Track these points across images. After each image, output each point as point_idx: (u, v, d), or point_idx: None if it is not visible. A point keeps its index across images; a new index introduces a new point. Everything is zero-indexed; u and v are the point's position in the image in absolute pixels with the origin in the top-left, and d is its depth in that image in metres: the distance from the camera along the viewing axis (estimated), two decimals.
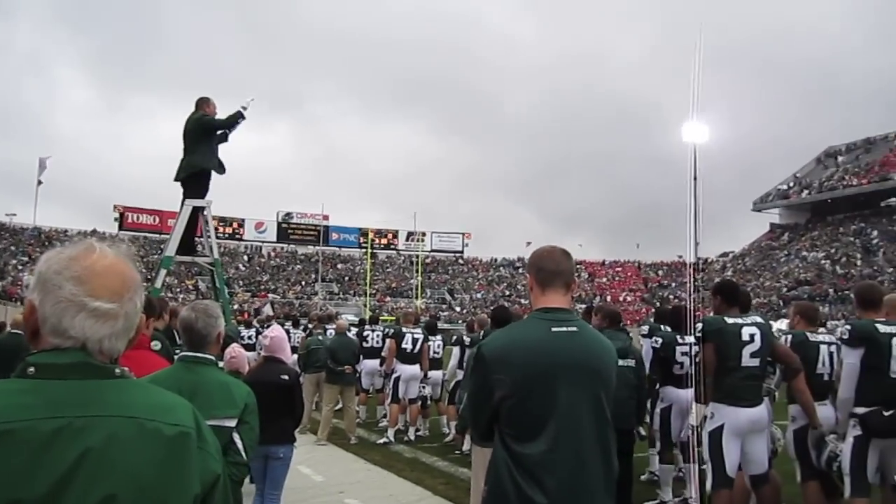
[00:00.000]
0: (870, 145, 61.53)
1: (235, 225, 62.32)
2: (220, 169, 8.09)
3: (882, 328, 4.65)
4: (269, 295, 52.90)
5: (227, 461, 2.74)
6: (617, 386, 5.88)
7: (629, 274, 66.60)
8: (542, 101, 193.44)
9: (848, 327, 4.79)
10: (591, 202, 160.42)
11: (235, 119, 7.89)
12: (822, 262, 51.33)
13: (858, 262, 48.48)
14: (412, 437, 10.15)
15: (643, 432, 6.51)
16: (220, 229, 59.27)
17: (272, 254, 63.40)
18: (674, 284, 61.08)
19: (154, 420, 1.21)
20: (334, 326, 11.25)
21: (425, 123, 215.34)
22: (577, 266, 63.98)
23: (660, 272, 66.13)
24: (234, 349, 4.46)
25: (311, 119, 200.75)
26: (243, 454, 3.07)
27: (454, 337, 10.43)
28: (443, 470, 8.17)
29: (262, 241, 63.83)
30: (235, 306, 40.15)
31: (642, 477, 7.48)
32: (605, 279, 65.20)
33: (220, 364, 3.60)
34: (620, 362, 5.97)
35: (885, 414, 4.47)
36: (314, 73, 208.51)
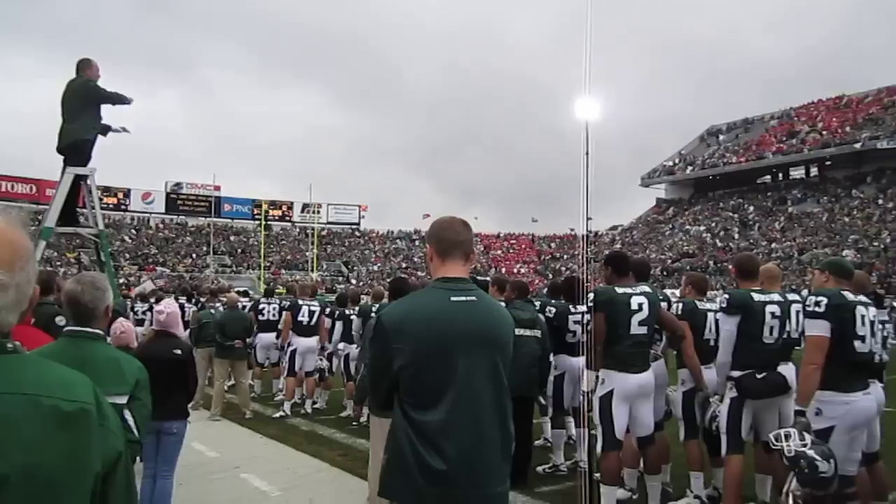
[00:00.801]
0: (748, 125, 64.87)
1: (121, 195, 59.36)
2: (105, 131, 7.69)
3: (757, 297, 4.95)
4: (158, 268, 51.00)
5: None
6: (521, 355, 6.06)
7: (523, 246, 67.93)
8: (444, 72, 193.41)
9: (726, 296, 5.08)
10: (488, 175, 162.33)
11: (123, 99, 7.52)
12: (704, 235, 53.94)
13: (736, 236, 51.24)
14: (309, 410, 10.09)
15: (543, 401, 6.70)
16: (104, 200, 56.54)
17: (160, 225, 60.93)
18: (566, 257, 62.88)
19: (51, 397, 1.15)
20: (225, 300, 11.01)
21: (323, 91, 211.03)
22: (474, 238, 64.82)
23: (552, 244, 67.82)
24: (123, 324, 4.29)
25: (202, 83, 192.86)
26: (135, 432, 2.97)
27: (336, 311, 10.24)
28: (341, 442, 8.17)
29: (150, 213, 61.14)
30: (121, 280, 38.52)
31: (536, 443, 7.72)
32: (499, 251, 66.28)
33: (108, 339, 3.46)
34: (527, 332, 6.17)
35: (759, 376, 4.78)
36: (205, 34, 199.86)
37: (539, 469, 6.67)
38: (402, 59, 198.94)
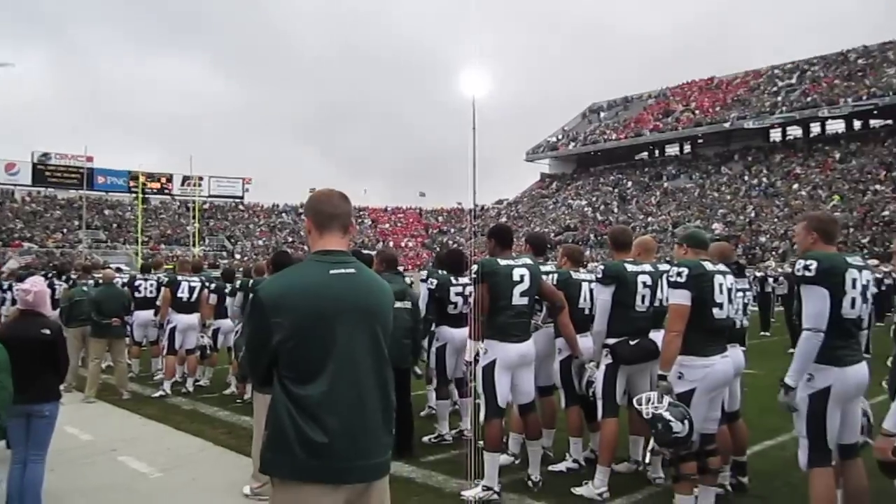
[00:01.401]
0: (628, 103, 67.30)
1: None
2: None
3: (630, 268, 5.19)
4: (25, 244, 47.95)
5: None
6: (394, 327, 6.09)
7: (411, 220, 68.16)
8: (332, 42, 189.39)
9: (601, 267, 5.29)
10: (377, 148, 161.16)
11: None
12: (585, 209, 55.79)
13: (615, 210, 53.28)
14: (191, 389, 9.81)
15: (419, 371, 6.77)
16: None
17: (27, 198, 57.12)
18: (453, 230, 63.57)
19: None
20: (100, 276, 10.50)
21: (205, 58, 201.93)
22: (361, 212, 64.41)
23: (440, 218, 68.39)
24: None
25: (72, 47, 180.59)
26: None
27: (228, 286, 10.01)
28: (224, 420, 8.01)
29: (15, 185, 57.10)
30: None
31: (422, 413, 7.83)
32: (387, 225, 66.23)
33: None
34: (397, 304, 6.15)
35: (632, 343, 5.03)
36: None
37: (425, 439, 6.77)
38: (290, 24, 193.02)
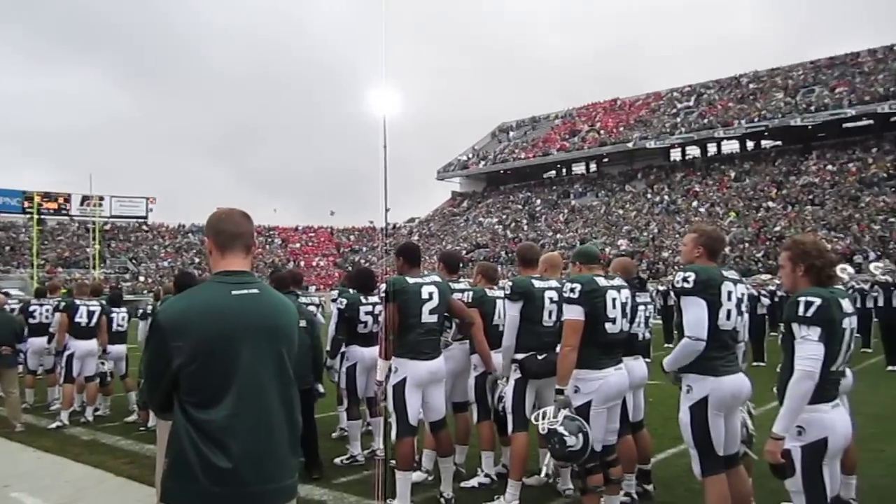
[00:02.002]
0: (536, 123, 68.80)
1: None
2: None
3: (537, 284, 5.29)
4: None
5: None
6: None
7: (322, 239, 67.45)
8: (243, 58, 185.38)
9: (510, 283, 5.38)
10: (288, 166, 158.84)
11: None
12: (496, 226, 56.55)
13: (525, 227, 54.21)
14: (90, 418, 9.36)
15: (322, 390, 6.70)
16: None
17: None
18: (364, 249, 63.25)
19: None
20: None
21: (108, 71, 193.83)
22: (270, 232, 63.33)
23: (352, 237, 67.94)
24: None
25: None
26: None
27: (139, 309, 9.75)
28: (126, 449, 7.68)
29: None
30: None
31: (333, 434, 7.73)
32: (298, 244, 65.32)
33: None
34: None
35: (540, 358, 5.12)
36: None
37: (336, 461, 6.69)
38: (200, 39, 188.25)
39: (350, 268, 47.71)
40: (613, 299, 4.48)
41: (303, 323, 6.22)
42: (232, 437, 2.30)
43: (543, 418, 4.27)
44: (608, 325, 4.43)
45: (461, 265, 6.13)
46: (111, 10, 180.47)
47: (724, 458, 4.10)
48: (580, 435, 4.15)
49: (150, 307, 9.28)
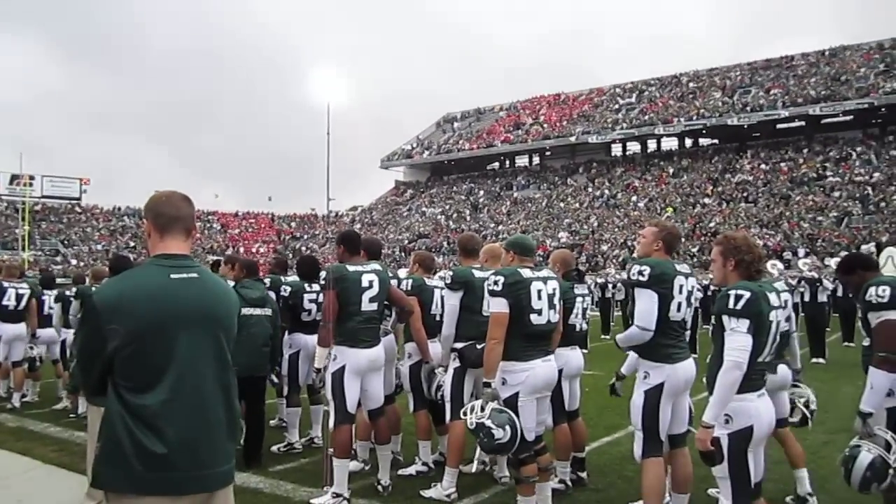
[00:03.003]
0: (481, 114, 69.09)
1: None
2: None
3: (478, 273, 5.34)
4: None
5: None
6: (253, 335, 5.94)
7: (262, 225, 66.50)
8: (185, 35, 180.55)
9: (450, 273, 5.41)
10: (230, 150, 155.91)
11: None
12: (439, 217, 56.65)
13: (468, 218, 54.45)
14: (17, 405, 9.07)
15: (276, 379, 6.66)
16: None
17: None
18: (306, 237, 62.63)
19: None
20: None
21: (41, 42, 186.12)
22: (210, 216, 62.14)
23: (293, 224, 67.17)
24: None
25: None
26: None
27: (55, 293, 9.41)
28: (55, 436, 7.47)
29: None
30: None
31: (271, 422, 7.67)
32: (237, 230, 64.29)
33: None
34: (258, 311, 6.09)
35: (479, 347, 5.15)
36: None
37: (274, 448, 6.63)
38: (141, 14, 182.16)
39: (291, 255, 47.20)
40: (539, 291, 4.48)
41: (268, 311, 6.18)
42: (167, 422, 2.28)
43: (471, 413, 4.30)
44: (533, 317, 4.44)
45: (380, 250, 6.10)
46: None
47: (671, 437, 4.30)
48: (507, 427, 4.18)
49: (66, 292, 8.96)
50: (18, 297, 9.02)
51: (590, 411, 6.63)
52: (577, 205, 50.43)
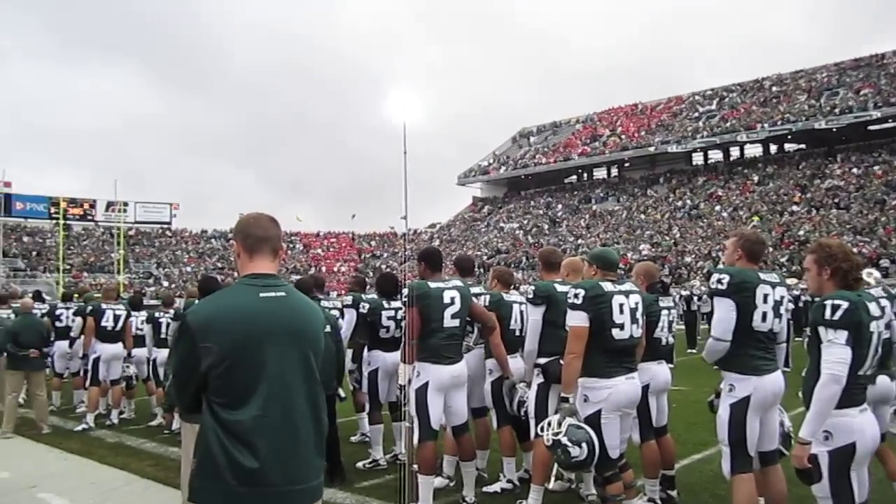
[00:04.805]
0: (556, 128, 68.73)
1: None
2: None
3: (560, 287, 5.28)
4: None
5: None
6: None
7: (343, 245, 67.69)
8: (269, 60, 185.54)
9: (532, 287, 5.37)
10: (312, 171, 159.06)
11: None
12: (517, 232, 56.43)
13: (546, 232, 54.07)
14: (115, 421, 9.48)
15: (343, 395, 6.72)
16: None
17: None
18: (386, 255, 63.39)
19: None
20: (17, 305, 10.09)
21: (134, 72, 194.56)
22: (293, 237, 63.67)
23: (373, 242, 68.12)
24: None
25: None
26: None
27: (144, 314, 9.85)
28: (151, 452, 7.76)
29: None
30: None
31: (353, 439, 7.75)
32: (320, 250, 65.62)
33: None
34: None
35: (562, 362, 5.10)
36: None
37: (359, 465, 6.71)
38: (227, 40, 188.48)
39: (371, 273, 47.85)
40: (621, 304, 4.42)
41: (327, 328, 6.25)
42: (259, 437, 2.33)
43: (548, 428, 4.24)
44: (615, 332, 4.38)
45: (474, 269, 6.14)
46: (136, 11, 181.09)
47: (761, 455, 4.14)
48: (584, 444, 4.11)
49: (156, 313, 9.37)
50: (116, 319, 9.45)
51: (678, 427, 6.45)
52: (659, 216, 49.40)
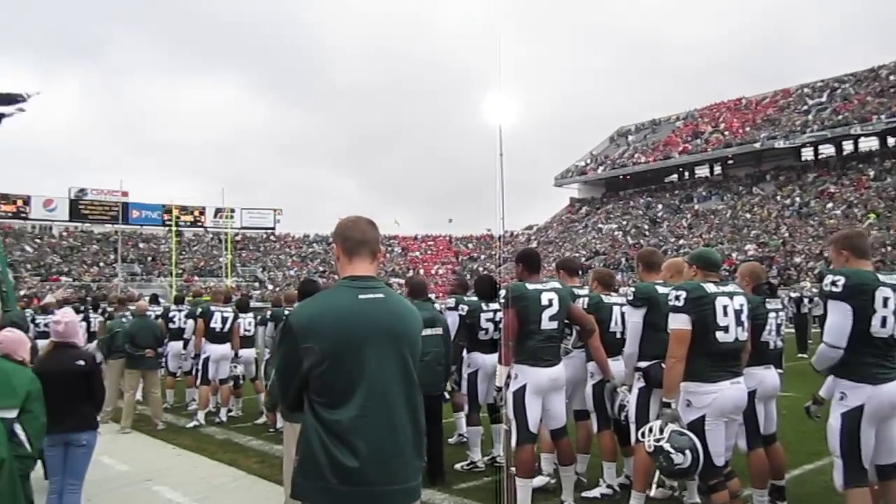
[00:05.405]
0: (655, 126, 67.06)
1: (20, 203, 56.61)
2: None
3: (661, 289, 5.13)
4: (63, 278, 48.84)
5: None
6: (427, 353, 6.03)
7: (441, 248, 68.26)
8: (367, 67, 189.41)
9: (632, 289, 5.25)
10: (409, 175, 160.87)
11: (14, 99, 7.15)
12: (616, 233, 55.43)
13: (647, 233, 52.86)
14: (224, 419, 9.87)
15: (447, 396, 6.75)
16: (2, 207, 53.88)
17: (64, 233, 58.38)
18: (483, 257, 63.50)
19: None
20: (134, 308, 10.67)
21: (239, 83, 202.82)
22: (391, 241, 64.69)
23: (470, 245, 68.37)
24: (2, 333, 4.01)
25: (106, 71, 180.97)
26: (27, 446, 2.84)
27: (259, 315, 10.24)
28: (257, 449, 8.04)
29: (52, 220, 58.40)
30: (23, 291, 36.68)
31: (450, 440, 7.79)
32: (418, 253, 66.40)
33: None
34: (428, 331, 6.20)
35: (664, 366, 4.96)
36: (105, 21, 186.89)
37: (457, 466, 6.73)
38: (326, 51, 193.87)
39: (468, 276, 48.00)
40: (725, 306, 4.24)
41: (438, 330, 6.30)
42: (358, 437, 2.37)
43: (649, 434, 4.12)
44: (719, 335, 4.20)
45: (579, 272, 6.06)
46: (242, 23, 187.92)
47: (878, 468, 3.92)
48: (688, 452, 3.97)
49: (269, 314, 9.71)
50: (224, 320, 9.84)
51: (788, 436, 6.16)
52: (765, 214, 47.44)
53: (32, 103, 7.20)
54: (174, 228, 55.50)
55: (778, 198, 49.08)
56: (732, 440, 4.45)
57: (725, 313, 4.24)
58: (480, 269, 55.62)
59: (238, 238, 62.57)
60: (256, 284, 54.78)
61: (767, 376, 5.05)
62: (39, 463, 4.29)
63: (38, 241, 55.82)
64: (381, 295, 2.54)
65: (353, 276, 2.57)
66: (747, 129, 54.79)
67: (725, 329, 4.23)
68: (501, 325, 5.61)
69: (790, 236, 42.45)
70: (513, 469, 5.10)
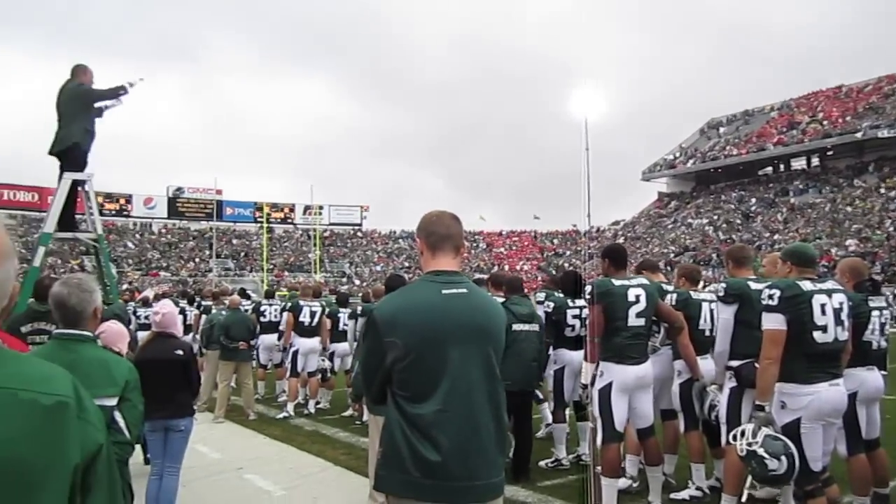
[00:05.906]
0: (749, 117, 64.76)
1: (122, 201, 59.66)
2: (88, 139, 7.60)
3: (753, 285, 4.94)
4: (162, 273, 51.08)
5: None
6: (523, 350, 6.04)
7: (526, 243, 67.91)
8: (456, 60, 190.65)
9: (723, 285, 5.07)
10: (495, 171, 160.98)
11: (116, 93, 7.48)
12: (706, 228, 53.84)
13: (739, 228, 51.14)
14: (312, 411, 10.11)
15: (540, 395, 6.71)
16: (106, 206, 56.62)
17: (163, 230, 61.10)
18: (568, 252, 62.84)
19: (29, 390, 1.16)
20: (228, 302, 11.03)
21: (329, 82, 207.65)
22: (476, 236, 64.78)
23: (555, 241, 67.78)
24: (109, 326, 4.20)
25: (202, 71, 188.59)
26: (126, 433, 2.97)
27: (349, 310, 10.44)
28: (344, 441, 8.19)
29: (152, 218, 61.27)
30: (125, 286, 38.51)
31: (538, 434, 7.74)
32: (503, 249, 66.25)
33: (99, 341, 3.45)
34: (525, 327, 6.19)
35: (757, 366, 4.78)
36: (202, 24, 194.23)
37: (542, 464, 6.68)
38: (416, 49, 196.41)
39: (554, 272, 47.62)
40: (823, 305, 4.04)
41: (535, 327, 6.29)
42: (440, 431, 2.38)
43: (741, 438, 3.96)
44: (817, 335, 4.01)
45: (660, 268, 5.91)
46: (331, 23, 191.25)
47: None
48: (783, 457, 3.79)
49: (359, 308, 9.87)
50: (312, 315, 10.09)
51: (892, 441, 5.84)
52: (868, 207, 45.13)
53: (135, 92, 7.51)
54: (265, 225, 57.15)
55: (882, 190, 46.58)
56: (831, 445, 4.24)
57: (823, 312, 4.05)
58: (566, 264, 55.03)
59: (326, 234, 63.93)
60: (344, 280, 55.83)
61: (870, 378, 4.80)
62: (139, 449, 4.50)
63: (138, 237, 58.57)
64: (464, 290, 2.54)
65: (437, 271, 2.58)
66: (848, 118, 52.19)
67: (824, 329, 4.03)
68: (587, 322, 5.53)
69: (895, 230, 40.27)
70: (598, 468, 5.02)
